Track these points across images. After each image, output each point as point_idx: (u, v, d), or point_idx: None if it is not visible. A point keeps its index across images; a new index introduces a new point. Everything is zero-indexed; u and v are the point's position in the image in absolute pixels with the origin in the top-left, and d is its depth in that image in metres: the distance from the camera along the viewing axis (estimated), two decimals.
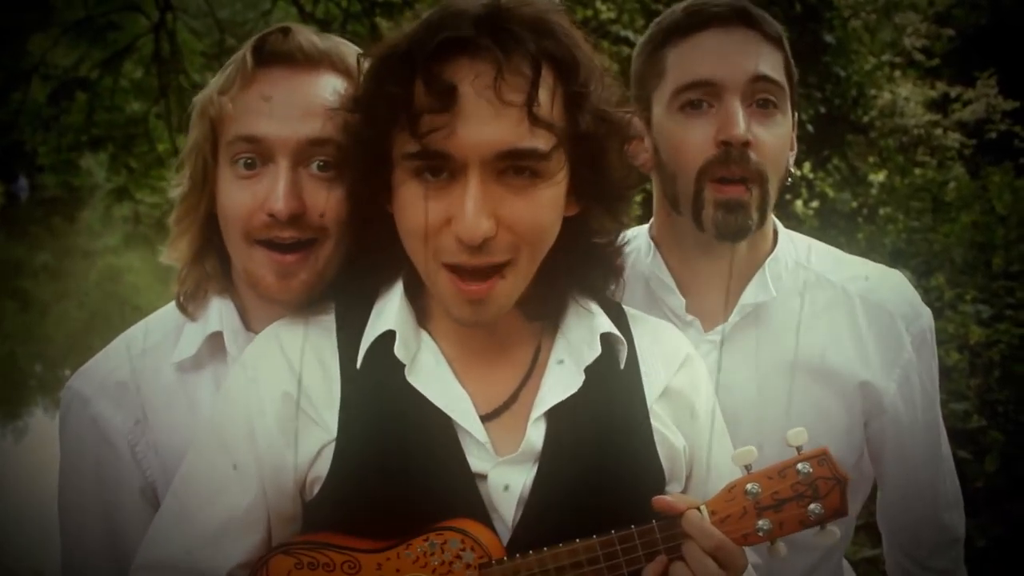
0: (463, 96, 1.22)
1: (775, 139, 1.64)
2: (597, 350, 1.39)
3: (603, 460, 1.36)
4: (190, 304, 1.62)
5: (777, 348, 1.72)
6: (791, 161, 1.73)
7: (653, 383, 1.44)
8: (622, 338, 1.42)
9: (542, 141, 1.26)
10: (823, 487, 1.30)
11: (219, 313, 1.60)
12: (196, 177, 1.55)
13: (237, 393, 1.41)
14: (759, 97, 1.63)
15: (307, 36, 1.53)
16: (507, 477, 1.33)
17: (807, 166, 9.79)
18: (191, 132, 1.56)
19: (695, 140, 1.63)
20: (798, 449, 1.32)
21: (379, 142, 1.31)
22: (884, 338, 1.73)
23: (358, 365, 1.37)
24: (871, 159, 10.92)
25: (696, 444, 1.46)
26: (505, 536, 1.32)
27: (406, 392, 1.35)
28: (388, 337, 1.36)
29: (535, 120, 1.24)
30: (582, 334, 1.41)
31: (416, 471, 1.32)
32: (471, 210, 1.23)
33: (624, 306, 1.52)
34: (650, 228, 1.84)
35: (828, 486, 1.30)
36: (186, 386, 1.60)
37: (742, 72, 1.62)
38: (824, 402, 1.71)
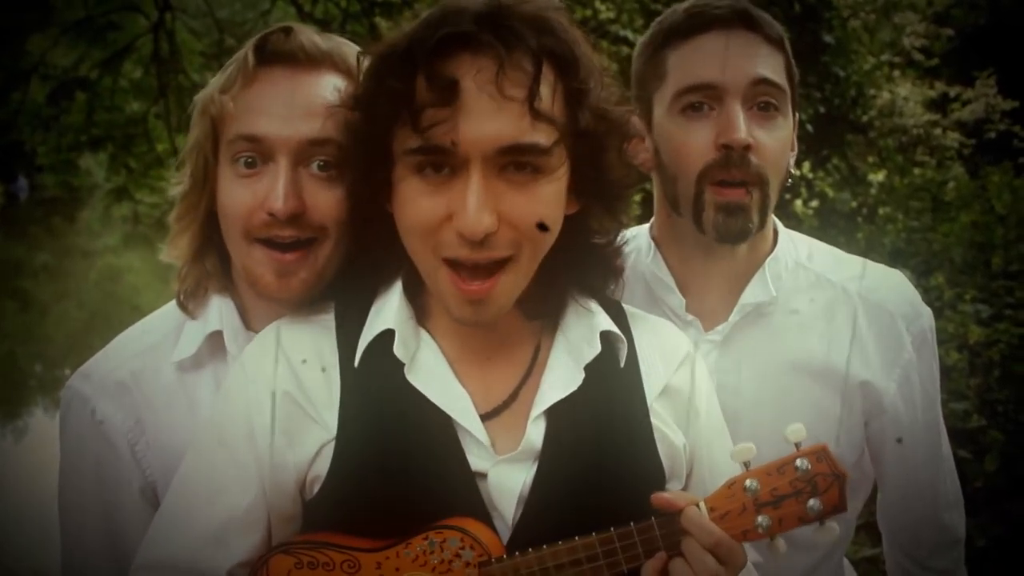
0: (465, 91, 1.23)
1: (776, 142, 1.64)
2: (597, 348, 1.39)
3: (603, 458, 1.37)
4: (190, 302, 1.62)
5: (777, 348, 1.72)
6: (792, 162, 1.73)
7: (653, 381, 1.44)
8: (622, 336, 1.42)
9: (543, 136, 1.26)
10: (822, 483, 1.30)
11: (219, 312, 1.60)
12: (197, 175, 1.55)
13: (236, 392, 1.41)
14: (760, 100, 1.63)
15: (309, 36, 1.53)
16: (507, 476, 1.33)
17: (806, 166, 9.80)
18: (192, 130, 1.56)
19: (696, 143, 1.62)
20: (796, 445, 1.32)
21: (380, 139, 1.31)
22: (884, 338, 1.73)
23: (356, 364, 1.37)
24: (870, 159, 10.92)
25: (696, 442, 1.46)
26: (505, 535, 1.32)
27: (406, 391, 1.35)
28: (387, 336, 1.36)
29: (536, 115, 1.24)
30: (582, 332, 1.41)
31: (416, 470, 1.33)
32: (473, 204, 1.23)
33: (624, 305, 1.53)
34: (651, 228, 1.84)
35: (827, 482, 1.30)
36: (186, 385, 1.60)
37: (743, 75, 1.62)
38: (824, 402, 1.71)
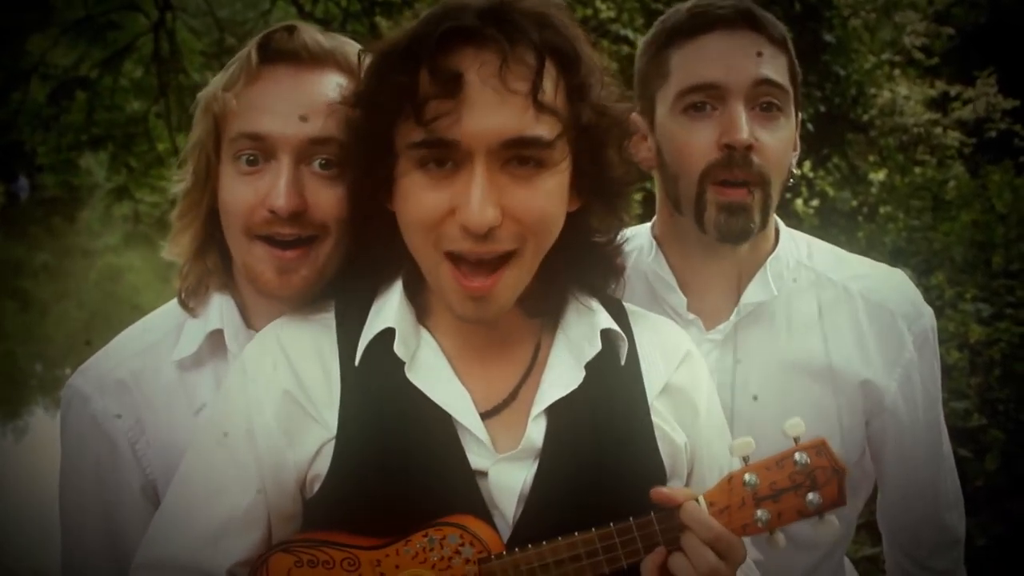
0: (468, 84, 1.23)
1: (778, 142, 1.64)
2: (597, 346, 1.39)
3: (604, 457, 1.36)
4: (192, 300, 1.62)
5: (778, 347, 1.72)
6: (794, 162, 1.73)
7: (653, 379, 1.44)
8: (622, 334, 1.42)
9: (546, 129, 1.27)
10: (821, 477, 1.30)
11: (220, 311, 1.60)
12: (199, 173, 1.55)
13: (236, 392, 1.41)
14: (763, 101, 1.63)
15: (312, 34, 1.53)
16: (507, 474, 1.33)
17: (807, 165, 9.79)
18: (194, 128, 1.56)
19: (698, 143, 1.63)
20: (795, 440, 1.32)
21: (382, 135, 1.31)
22: (886, 337, 1.73)
23: (357, 363, 1.37)
24: (871, 158, 10.91)
25: (697, 441, 1.46)
26: (506, 533, 1.32)
27: (406, 389, 1.35)
28: (388, 335, 1.36)
29: (540, 107, 1.25)
30: (582, 330, 1.41)
31: (416, 468, 1.32)
32: (477, 197, 1.23)
33: (624, 303, 1.52)
34: (652, 227, 1.84)
35: (826, 476, 1.30)
36: (186, 384, 1.60)
37: (746, 76, 1.62)
38: (825, 401, 1.71)
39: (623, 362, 1.42)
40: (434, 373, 1.37)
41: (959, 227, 6.23)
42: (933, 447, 1.80)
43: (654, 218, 1.85)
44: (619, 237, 1.50)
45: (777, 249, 1.76)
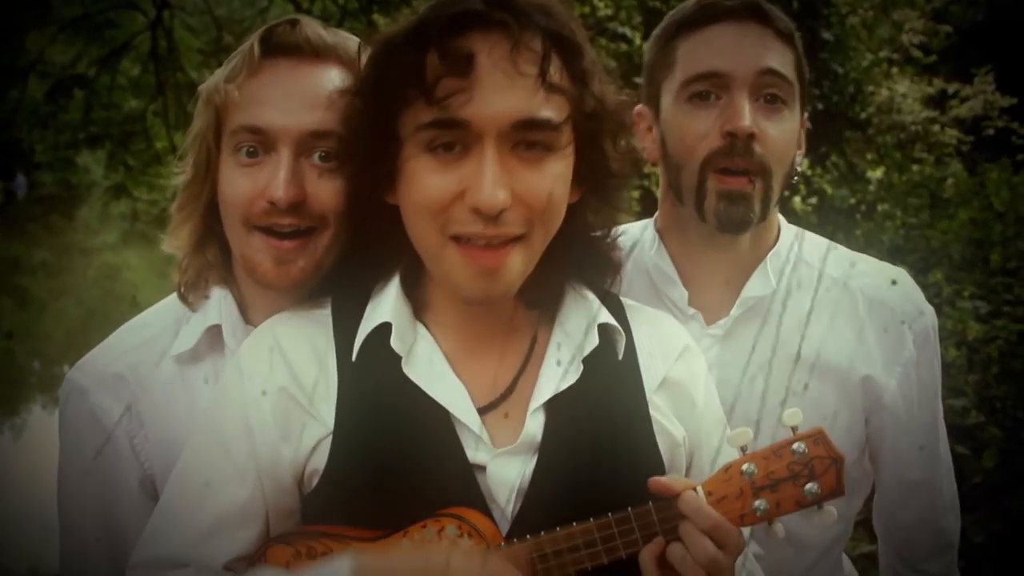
0: (480, 66, 1.24)
1: (781, 134, 1.65)
2: (595, 341, 1.39)
3: (602, 451, 1.37)
4: (191, 294, 1.63)
5: (779, 343, 1.72)
6: (798, 159, 1.74)
7: (652, 374, 1.45)
8: (620, 329, 1.42)
9: (555, 112, 1.28)
10: (819, 466, 1.30)
11: (218, 306, 1.60)
12: (199, 165, 1.56)
13: (233, 389, 1.41)
14: (767, 92, 1.64)
15: (314, 29, 1.54)
16: (505, 468, 1.34)
17: (805, 163, 9.78)
18: (195, 120, 1.57)
19: (701, 131, 1.63)
20: (793, 430, 1.32)
21: (386, 121, 1.31)
22: (886, 335, 1.73)
23: (354, 358, 1.37)
24: (869, 156, 10.91)
25: (696, 435, 1.47)
26: (504, 527, 1.32)
27: (403, 385, 1.35)
28: (384, 330, 1.36)
29: (550, 88, 1.26)
30: (580, 324, 1.42)
31: (414, 463, 1.33)
32: (489, 178, 1.24)
33: (622, 297, 1.53)
34: (655, 220, 1.84)
35: (824, 466, 1.31)
36: (185, 379, 1.61)
37: (750, 65, 1.63)
38: (825, 397, 1.71)
39: (621, 356, 1.42)
40: (431, 368, 1.37)
41: (957, 225, 6.24)
42: (930, 448, 1.80)
43: (656, 212, 1.85)
44: (616, 232, 1.50)
45: (778, 245, 1.77)
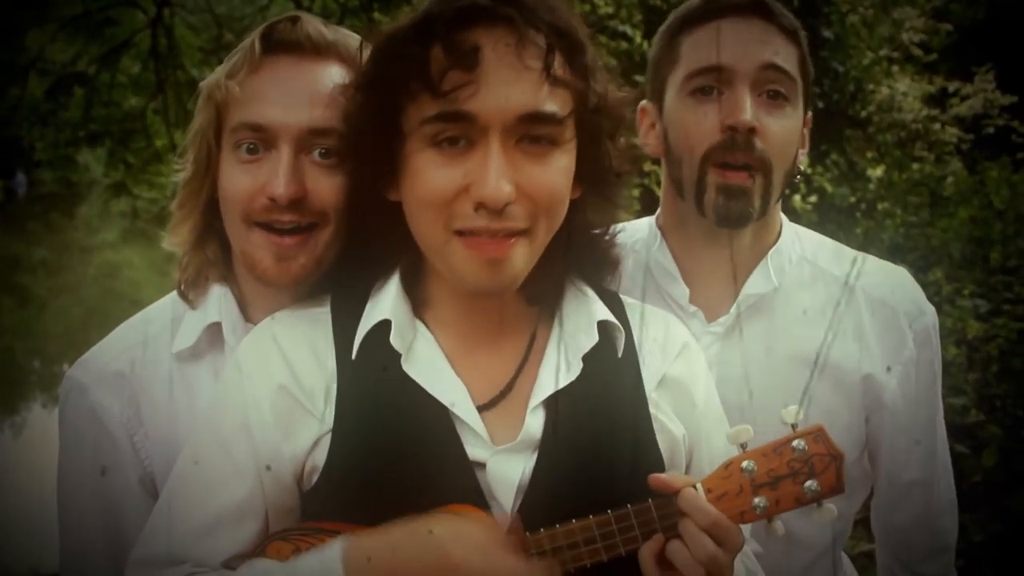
0: (485, 60, 1.24)
1: (782, 130, 1.65)
2: (594, 338, 1.39)
3: (602, 449, 1.37)
4: (191, 291, 1.63)
5: (779, 341, 1.72)
6: (801, 157, 1.74)
7: (651, 371, 1.45)
8: (619, 326, 1.42)
9: (559, 106, 1.28)
10: (819, 464, 1.30)
11: (218, 303, 1.60)
12: (199, 162, 1.56)
13: (232, 388, 1.41)
14: (769, 88, 1.64)
15: (315, 26, 1.54)
16: (505, 466, 1.34)
17: (805, 161, 9.77)
18: (196, 117, 1.57)
19: (702, 125, 1.64)
20: (793, 427, 1.32)
21: (388, 116, 1.31)
22: (887, 334, 1.73)
23: (353, 355, 1.37)
24: (869, 154, 10.90)
25: (695, 433, 1.47)
26: (504, 524, 1.32)
27: (402, 382, 1.35)
28: (384, 327, 1.36)
29: (554, 82, 1.26)
30: (579, 321, 1.42)
31: (413, 461, 1.33)
32: (494, 172, 1.24)
33: (621, 295, 1.53)
34: (657, 218, 1.84)
35: (824, 463, 1.30)
36: (185, 376, 1.61)
37: (753, 59, 1.63)
38: (825, 396, 1.71)
39: (620, 354, 1.42)
40: (430, 365, 1.37)
41: (957, 223, 6.24)
42: (928, 447, 1.80)
43: (658, 210, 1.85)
44: (615, 229, 1.50)
45: (779, 242, 1.77)
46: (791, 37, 1.68)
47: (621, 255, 1.53)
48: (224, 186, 1.53)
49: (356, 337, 1.38)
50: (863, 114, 10.67)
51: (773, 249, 1.75)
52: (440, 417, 1.34)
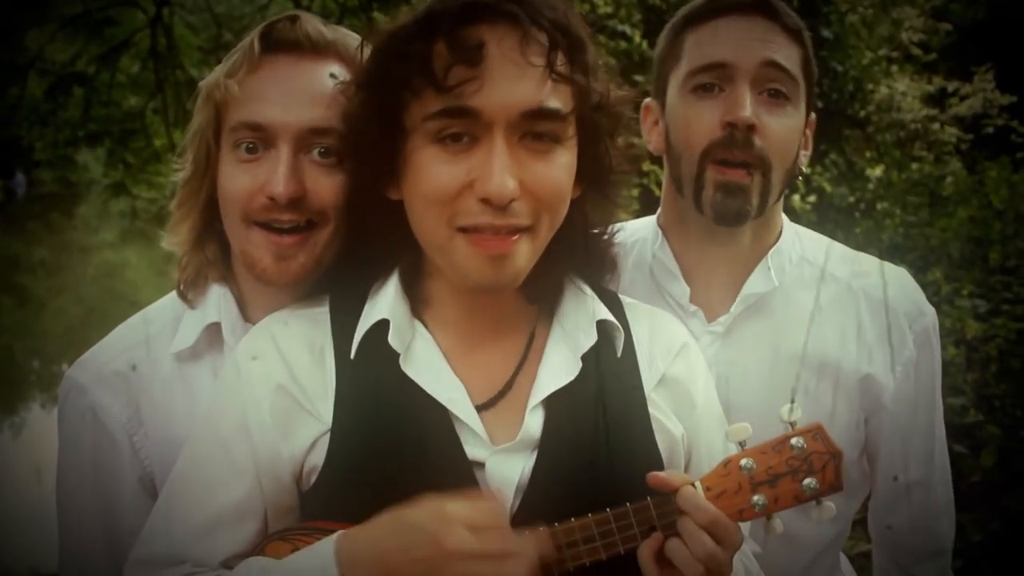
0: (489, 56, 1.24)
1: (782, 128, 1.65)
2: (593, 337, 1.39)
3: (601, 448, 1.36)
4: (190, 292, 1.62)
5: (779, 341, 1.72)
6: (803, 158, 1.74)
7: (650, 371, 1.45)
8: (618, 325, 1.42)
9: (562, 102, 1.28)
10: (818, 461, 1.30)
11: (218, 303, 1.60)
12: (199, 161, 1.56)
13: (231, 388, 1.41)
14: (770, 86, 1.64)
15: (315, 25, 1.54)
16: (505, 465, 1.33)
17: (806, 161, 9.77)
18: (195, 116, 1.57)
19: (702, 121, 1.64)
20: (792, 425, 1.32)
21: (390, 113, 1.31)
22: (886, 334, 1.73)
23: (352, 355, 1.37)
24: (868, 154, 10.91)
25: (694, 432, 1.46)
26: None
27: (401, 382, 1.35)
28: (382, 327, 1.36)
29: (558, 79, 1.26)
30: (578, 321, 1.42)
31: (412, 460, 1.33)
32: (498, 168, 1.24)
33: (620, 295, 1.53)
34: (658, 216, 1.84)
35: (823, 460, 1.30)
36: (184, 376, 1.61)
37: (754, 57, 1.63)
38: (825, 396, 1.71)
39: (619, 353, 1.42)
40: (429, 365, 1.37)
41: (956, 223, 6.25)
42: (926, 449, 1.80)
43: (659, 209, 1.85)
44: (614, 228, 1.50)
45: (780, 242, 1.77)
46: (794, 37, 1.69)
47: (620, 254, 1.53)
48: (223, 185, 1.53)
49: (355, 337, 1.37)
50: (862, 114, 10.68)
51: (773, 249, 1.75)
52: (439, 417, 1.34)
